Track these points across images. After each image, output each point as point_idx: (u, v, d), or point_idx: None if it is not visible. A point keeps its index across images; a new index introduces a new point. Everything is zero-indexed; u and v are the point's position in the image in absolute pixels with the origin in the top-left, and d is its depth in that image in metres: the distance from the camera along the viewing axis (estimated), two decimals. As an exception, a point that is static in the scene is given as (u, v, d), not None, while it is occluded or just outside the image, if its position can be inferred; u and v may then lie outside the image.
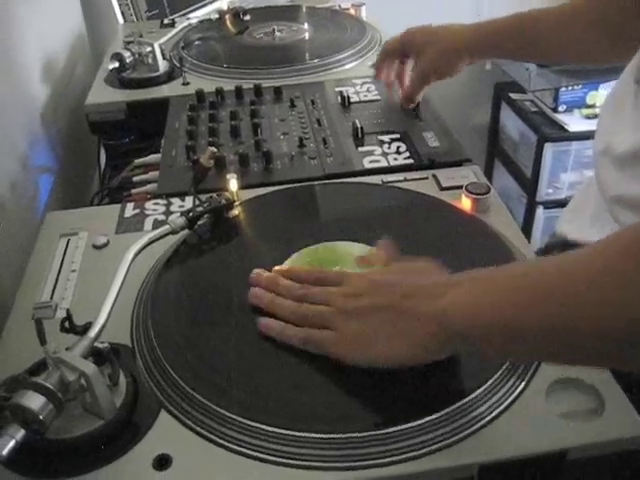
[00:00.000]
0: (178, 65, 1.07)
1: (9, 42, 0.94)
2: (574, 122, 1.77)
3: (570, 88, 1.77)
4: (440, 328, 0.46)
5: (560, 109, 1.80)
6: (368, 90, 0.99)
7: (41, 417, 0.44)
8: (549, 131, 1.77)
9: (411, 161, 0.81)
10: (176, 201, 0.76)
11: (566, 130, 1.76)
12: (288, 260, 0.64)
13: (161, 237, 0.64)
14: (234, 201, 0.71)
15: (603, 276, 0.40)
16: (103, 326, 0.51)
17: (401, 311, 0.49)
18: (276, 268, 0.62)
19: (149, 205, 0.76)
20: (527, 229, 1.89)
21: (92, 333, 0.50)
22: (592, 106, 1.79)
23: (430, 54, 0.88)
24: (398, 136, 0.86)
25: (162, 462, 0.47)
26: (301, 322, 0.55)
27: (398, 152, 0.83)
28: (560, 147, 1.78)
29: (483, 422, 0.48)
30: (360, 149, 0.84)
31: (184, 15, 1.37)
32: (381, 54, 0.97)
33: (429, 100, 0.94)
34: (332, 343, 0.52)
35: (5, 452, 0.43)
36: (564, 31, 0.82)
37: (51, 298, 0.63)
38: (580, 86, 1.77)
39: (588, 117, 1.77)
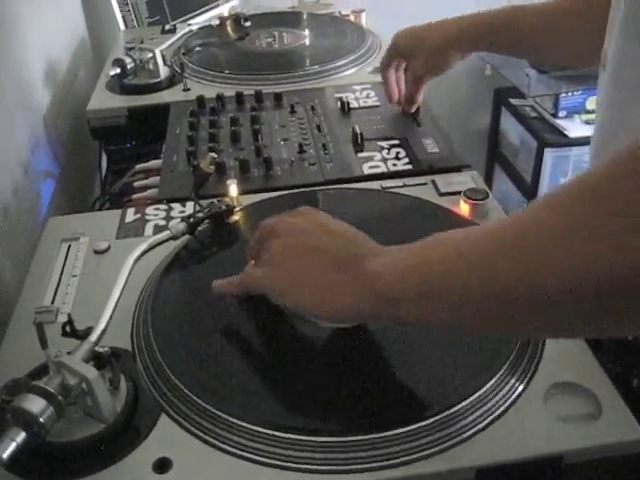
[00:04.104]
0: (179, 71, 1.08)
1: (12, 48, 0.94)
2: (574, 128, 1.77)
3: (570, 94, 1.78)
4: (373, 289, 0.45)
5: (560, 115, 1.80)
6: (368, 96, 0.99)
7: (42, 420, 0.44)
8: (549, 136, 1.78)
9: (410, 167, 0.81)
10: (177, 206, 0.76)
11: (566, 136, 1.76)
12: None
13: (162, 242, 0.65)
14: (234, 207, 0.71)
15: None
16: (104, 330, 0.52)
17: (338, 261, 0.48)
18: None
19: (150, 210, 0.76)
20: (527, 234, 1.89)
21: (93, 337, 0.51)
22: (592, 112, 1.79)
23: (419, 57, 0.87)
24: (397, 142, 0.86)
25: (162, 465, 0.47)
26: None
27: (397, 158, 0.83)
28: (560, 152, 1.79)
29: (481, 425, 0.48)
30: (360, 155, 0.84)
31: (185, 21, 1.38)
32: (382, 72, 0.95)
33: (428, 106, 0.95)
34: (262, 278, 0.52)
35: (6, 455, 0.43)
36: (561, 29, 0.78)
37: (52, 303, 0.63)
38: (580, 92, 1.78)
39: (588, 123, 1.78)
